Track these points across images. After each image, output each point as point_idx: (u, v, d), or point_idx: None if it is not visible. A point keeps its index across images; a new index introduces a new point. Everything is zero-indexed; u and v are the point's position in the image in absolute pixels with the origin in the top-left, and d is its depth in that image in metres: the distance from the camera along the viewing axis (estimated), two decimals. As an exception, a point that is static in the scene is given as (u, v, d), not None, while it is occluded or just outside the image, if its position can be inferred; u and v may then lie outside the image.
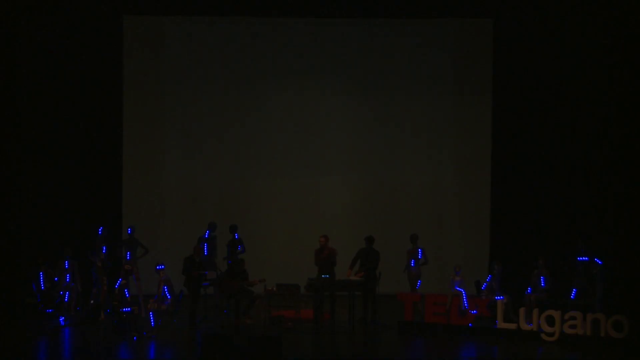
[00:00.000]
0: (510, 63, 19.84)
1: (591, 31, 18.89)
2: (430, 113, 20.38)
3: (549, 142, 19.59)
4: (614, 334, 14.84)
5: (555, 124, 19.54)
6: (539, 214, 19.53)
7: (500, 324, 15.54)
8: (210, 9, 19.94)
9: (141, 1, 19.90)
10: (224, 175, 20.34)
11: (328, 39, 20.34)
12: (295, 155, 20.37)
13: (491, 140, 20.24)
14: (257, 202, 20.28)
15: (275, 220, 20.26)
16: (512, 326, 15.45)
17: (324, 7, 19.88)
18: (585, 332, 14.98)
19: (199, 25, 20.25)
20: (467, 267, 17.51)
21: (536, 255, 16.63)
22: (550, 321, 15.18)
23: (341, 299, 16.39)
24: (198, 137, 20.29)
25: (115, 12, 19.74)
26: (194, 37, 20.26)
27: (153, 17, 20.19)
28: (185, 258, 16.52)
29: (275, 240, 20.09)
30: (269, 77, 20.32)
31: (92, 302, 17.29)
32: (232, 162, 20.34)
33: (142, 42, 20.15)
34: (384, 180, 20.40)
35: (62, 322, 16.31)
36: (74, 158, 19.53)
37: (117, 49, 19.87)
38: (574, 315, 15.10)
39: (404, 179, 20.39)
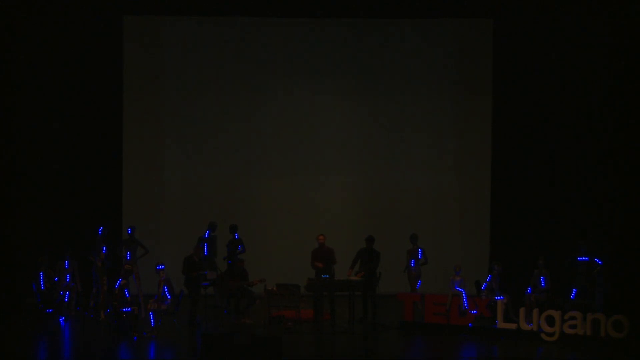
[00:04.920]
0: (510, 63, 19.83)
1: (591, 31, 18.88)
2: (430, 113, 20.37)
3: (549, 142, 19.59)
4: (614, 334, 14.85)
5: (555, 123, 19.55)
6: (539, 214, 19.53)
7: (500, 324, 15.55)
8: (210, 9, 19.94)
9: (141, 1, 19.90)
10: (224, 175, 20.33)
11: (328, 39, 20.33)
12: (295, 155, 20.37)
13: (491, 140, 20.24)
14: (257, 202, 20.28)
15: (275, 220, 20.26)
16: (512, 326, 15.46)
17: (324, 7, 19.88)
18: (585, 332, 14.99)
19: (199, 25, 20.25)
20: (467, 267, 17.49)
21: (536, 255, 16.62)
22: (550, 321, 15.19)
23: (341, 299, 16.39)
24: (198, 137, 20.29)
25: (115, 12, 19.74)
26: (194, 37, 20.26)
27: (153, 17, 20.19)
28: (185, 258, 16.53)
29: (275, 240, 20.08)
30: (268, 76, 20.32)
31: (91, 302, 17.28)
32: (232, 162, 20.33)
33: (142, 42, 20.16)
34: (384, 180, 20.39)
35: (62, 322, 16.32)
36: (74, 158, 19.53)
37: (117, 49, 19.87)
38: (574, 315, 15.11)
39: (404, 179, 20.38)
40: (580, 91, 19.24)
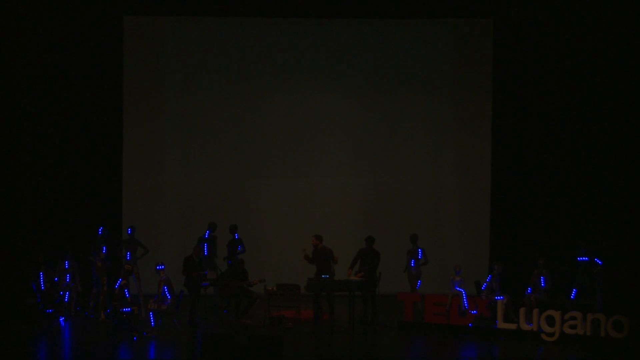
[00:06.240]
0: (510, 63, 19.85)
1: (591, 31, 18.88)
2: (431, 113, 20.39)
3: (549, 141, 19.60)
4: (614, 334, 14.84)
5: (555, 123, 19.55)
6: (539, 214, 19.53)
7: (500, 324, 15.54)
8: (211, 9, 19.96)
9: (141, 1, 19.92)
10: (224, 175, 20.34)
11: (328, 39, 20.35)
12: (295, 155, 20.38)
13: (491, 139, 20.25)
14: (257, 202, 20.29)
15: (275, 220, 20.27)
16: (512, 326, 15.45)
17: (324, 7, 19.89)
18: (585, 332, 14.98)
19: (199, 25, 20.26)
20: (467, 267, 17.51)
21: (536, 255, 16.62)
22: (550, 321, 15.19)
23: (341, 299, 16.39)
24: (198, 137, 20.30)
25: (115, 12, 19.76)
26: (194, 37, 20.27)
27: (153, 17, 20.20)
28: (185, 258, 16.53)
29: (275, 240, 20.10)
30: (269, 77, 20.34)
31: (91, 302, 17.29)
32: (231, 162, 20.34)
33: (142, 42, 20.17)
34: (383, 180, 20.40)
35: (62, 322, 16.32)
36: (74, 158, 19.55)
37: (117, 49, 19.89)
38: (574, 315, 15.10)
39: (404, 179, 20.39)
40: (580, 91, 19.24)
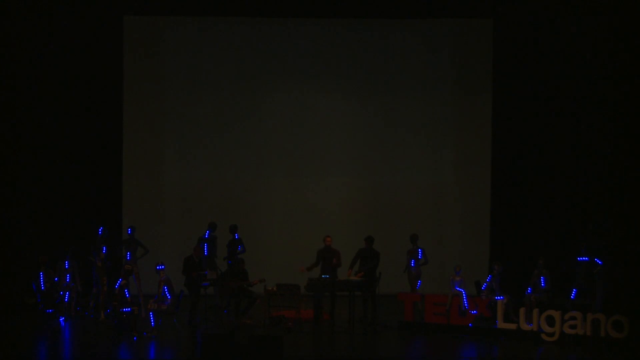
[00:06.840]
0: (510, 63, 19.85)
1: (591, 31, 18.89)
2: (430, 113, 20.39)
3: (549, 141, 19.60)
4: (614, 334, 14.84)
5: (555, 123, 19.55)
6: (539, 214, 19.53)
7: (500, 324, 15.54)
8: (211, 9, 19.97)
9: (141, 1, 19.92)
10: (223, 175, 20.34)
11: (328, 40, 20.35)
12: (295, 156, 20.38)
13: (491, 140, 20.25)
14: (257, 202, 20.29)
15: (276, 220, 20.27)
16: (512, 326, 15.46)
17: (324, 7, 19.90)
18: (585, 332, 14.98)
19: (199, 25, 20.26)
20: (467, 267, 17.51)
21: (536, 255, 16.62)
22: (550, 321, 15.19)
23: (341, 299, 16.39)
24: (198, 138, 20.31)
25: (115, 12, 19.76)
26: (194, 38, 20.27)
27: (153, 18, 20.21)
28: (185, 258, 16.53)
29: (275, 240, 20.10)
30: (269, 77, 20.34)
31: (91, 302, 17.29)
32: (231, 162, 20.34)
33: (142, 42, 20.17)
34: (384, 180, 20.40)
35: (62, 322, 16.32)
36: (74, 158, 19.55)
37: (117, 49, 19.89)
38: (574, 315, 15.10)
39: (404, 179, 20.39)
40: (580, 91, 19.24)
